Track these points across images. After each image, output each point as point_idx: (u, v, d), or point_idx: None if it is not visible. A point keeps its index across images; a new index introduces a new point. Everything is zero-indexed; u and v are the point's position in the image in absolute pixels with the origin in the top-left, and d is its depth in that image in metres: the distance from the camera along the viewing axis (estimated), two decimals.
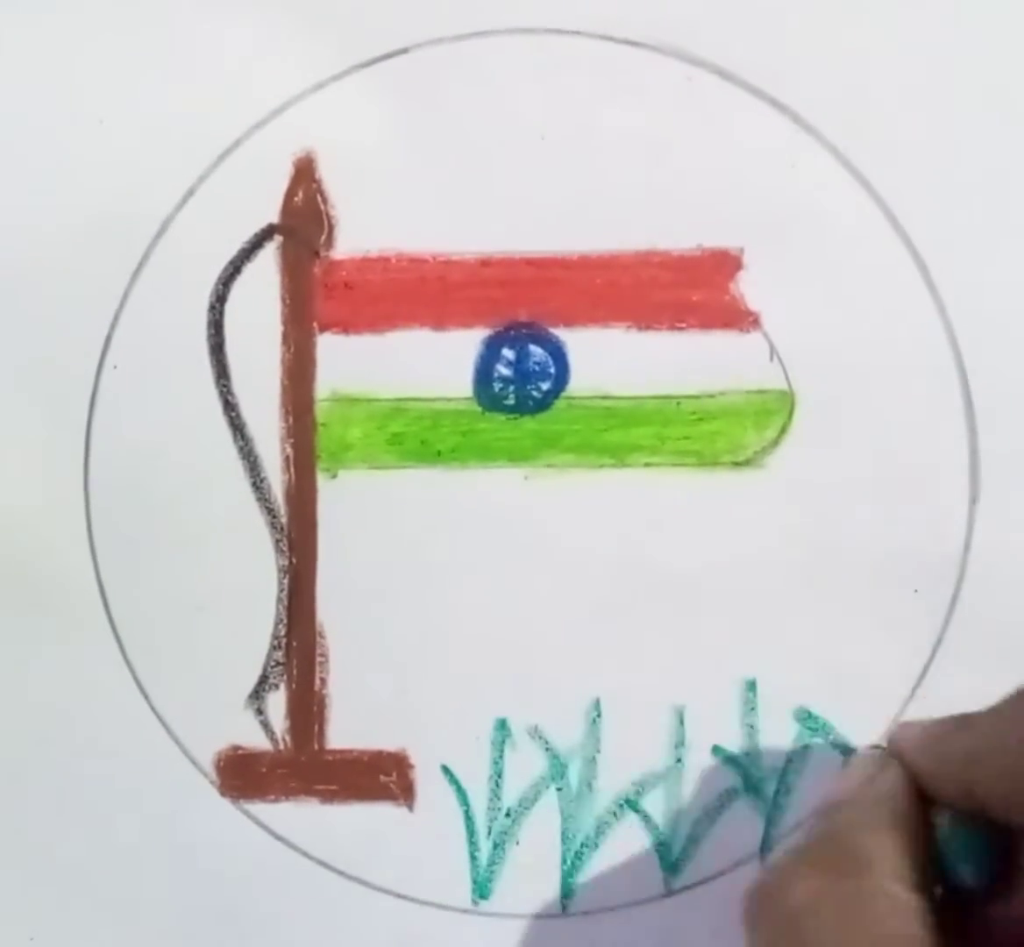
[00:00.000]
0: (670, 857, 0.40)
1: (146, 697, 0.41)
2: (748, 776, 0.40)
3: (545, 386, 0.40)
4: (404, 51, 0.39)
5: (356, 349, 0.40)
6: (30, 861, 0.41)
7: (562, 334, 0.39)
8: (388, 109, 0.39)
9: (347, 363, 0.40)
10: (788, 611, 0.39)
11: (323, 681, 0.40)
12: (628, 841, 0.40)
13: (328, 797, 0.41)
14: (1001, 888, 0.33)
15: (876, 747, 0.36)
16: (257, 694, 0.41)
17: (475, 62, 0.39)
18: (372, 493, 0.40)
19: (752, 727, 0.40)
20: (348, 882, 0.41)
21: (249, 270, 0.39)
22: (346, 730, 0.41)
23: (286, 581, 0.40)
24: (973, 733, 0.32)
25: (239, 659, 0.41)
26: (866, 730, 0.39)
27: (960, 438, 0.39)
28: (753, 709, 0.40)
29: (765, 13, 0.38)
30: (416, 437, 0.40)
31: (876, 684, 0.39)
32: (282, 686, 0.41)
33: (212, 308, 0.40)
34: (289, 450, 0.40)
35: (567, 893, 0.40)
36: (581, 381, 0.39)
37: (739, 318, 0.39)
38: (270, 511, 0.40)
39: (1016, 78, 0.38)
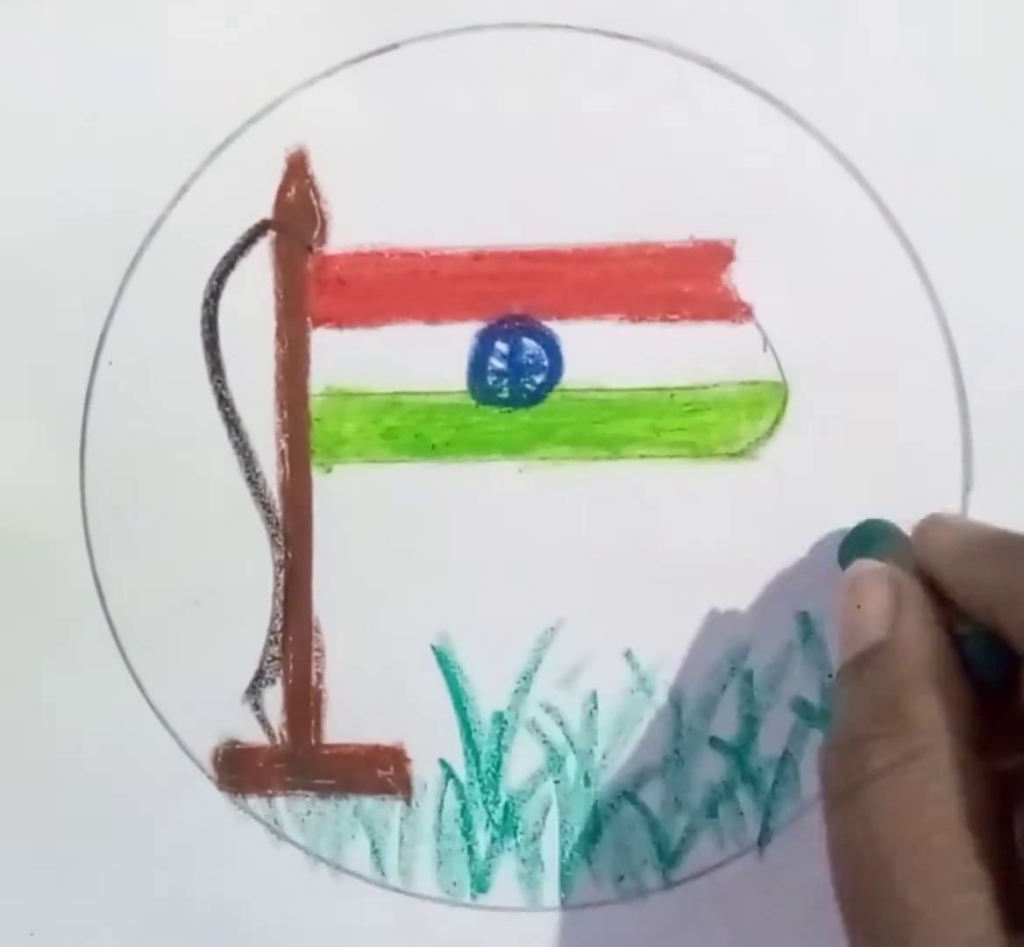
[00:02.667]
0: (668, 849, 0.40)
1: (143, 692, 0.41)
2: (746, 767, 0.40)
3: (539, 379, 0.40)
4: (395, 47, 0.39)
5: (350, 344, 0.40)
6: (28, 857, 0.41)
7: (555, 327, 0.39)
8: (380, 104, 0.39)
9: (341, 358, 0.40)
10: (783, 602, 0.39)
11: (319, 676, 0.41)
12: (626, 834, 0.40)
13: (325, 791, 0.41)
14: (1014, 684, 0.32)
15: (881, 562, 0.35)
16: (254, 689, 0.41)
17: (466, 57, 0.39)
18: (367, 487, 0.40)
19: (750, 718, 0.40)
20: (346, 876, 0.41)
21: (243, 266, 0.39)
22: (343, 724, 0.41)
23: (282, 576, 0.40)
24: (1014, 564, 0.31)
25: (236, 654, 0.41)
26: None
27: (953, 427, 0.39)
28: (750, 700, 0.40)
29: (756, 6, 0.38)
30: (411, 431, 0.40)
31: None
32: (279, 681, 0.41)
33: (206, 304, 0.40)
34: (284, 445, 0.40)
35: (565, 886, 0.40)
36: (575, 374, 0.40)
37: (732, 309, 0.39)
38: (265, 506, 0.40)
39: (1009, 69, 0.38)
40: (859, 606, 0.33)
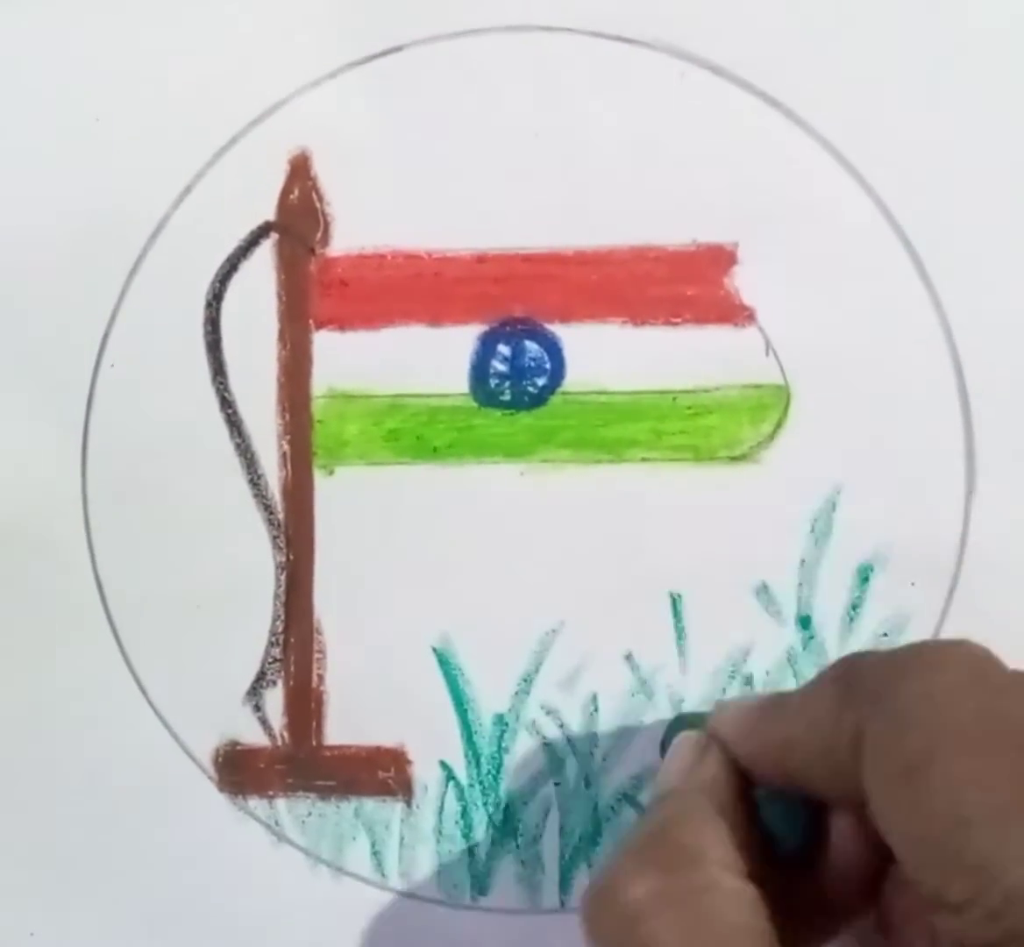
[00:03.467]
0: None
1: (144, 693, 0.41)
2: None
3: (541, 382, 0.40)
4: (398, 49, 0.39)
5: (352, 346, 0.40)
6: (29, 858, 0.41)
7: (558, 330, 0.39)
8: (383, 107, 0.39)
9: (343, 360, 0.40)
10: (785, 604, 0.39)
11: (320, 677, 0.41)
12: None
13: (326, 793, 0.41)
14: (819, 851, 0.33)
15: (695, 731, 0.36)
16: (255, 690, 0.41)
17: (469, 60, 0.39)
18: (369, 489, 0.40)
19: None
20: (346, 878, 0.41)
21: (245, 267, 0.39)
22: (344, 726, 0.41)
23: (283, 577, 0.40)
24: (786, 718, 0.32)
25: (237, 655, 0.41)
26: None
27: (956, 431, 0.39)
28: None
29: (758, 9, 0.38)
30: (412, 433, 0.40)
31: None
32: (280, 682, 0.41)
33: (209, 305, 0.40)
34: (286, 447, 0.40)
35: (566, 888, 0.40)
36: (577, 376, 0.40)
37: (734, 313, 0.39)
38: (267, 508, 0.40)
39: (1011, 71, 0.38)
40: (667, 766, 0.34)
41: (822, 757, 0.30)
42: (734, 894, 0.29)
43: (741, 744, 0.33)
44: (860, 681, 0.30)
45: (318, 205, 0.39)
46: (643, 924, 0.29)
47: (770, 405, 0.39)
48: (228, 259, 0.39)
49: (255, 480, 0.40)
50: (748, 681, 0.39)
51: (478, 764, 0.40)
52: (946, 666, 0.29)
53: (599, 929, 0.30)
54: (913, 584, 0.39)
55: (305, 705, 0.41)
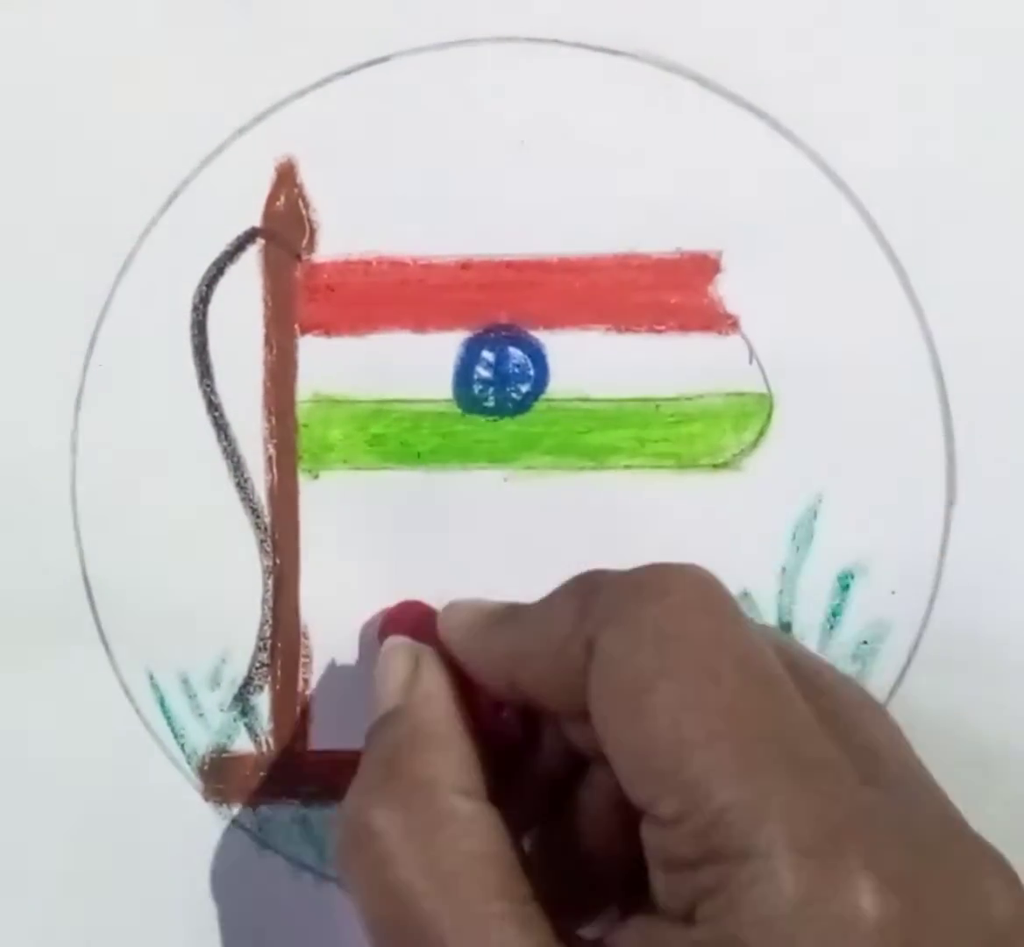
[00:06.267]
0: None
1: (131, 699, 0.41)
2: None
3: (525, 388, 0.40)
4: (385, 59, 0.39)
5: (337, 351, 0.40)
6: (12, 867, 0.41)
7: (542, 336, 0.40)
8: (369, 116, 0.39)
9: (329, 365, 0.40)
10: (766, 612, 0.39)
11: (307, 682, 0.41)
12: None
13: (311, 799, 0.41)
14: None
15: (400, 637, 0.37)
16: (241, 695, 0.41)
17: (455, 70, 0.39)
18: (353, 494, 0.40)
19: None
20: (330, 884, 0.41)
21: (232, 272, 0.40)
22: (330, 731, 0.41)
23: (270, 582, 0.41)
24: (519, 627, 0.33)
25: (223, 660, 0.41)
26: None
27: (937, 440, 0.39)
28: None
29: (743, 20, 0.39)
30: (396, 438, 0.40)
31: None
32: (266, 687, 0.41)
33: (195, 309, 0.40)
34: (272, 450, 0.40)
35: None
36: (560, 383, 0.40)
37: (718, 321, 0.39)
38: (254, 511, 0.40)
39: (994, 81, 0.38)
40: (382, 677, 0.35)
41: (553, 667, 0.31)
42: (471, 821, 0.30)
43: (469, 652, 0.34)
44: (597, 596, 0.31)
45: (304, 212, 0.40)
46: (390, 869, 0.30)
47: (753, 413, 0.39)
48: (214, 263, 0.40)
49: (242, 483, 0.40)
50: None
51: None
52: (679, 589, 0.30)
53: (354, 878, 0.31)
54: (893, 592, 0.39)
55: (292, 711, 0.41)
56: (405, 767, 0.32)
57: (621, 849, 0.32)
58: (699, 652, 0.28)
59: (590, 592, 0.31)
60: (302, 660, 0.41)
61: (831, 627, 0.39)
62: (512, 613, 0.34)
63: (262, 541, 0.40)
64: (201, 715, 0.41)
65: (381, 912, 0.31)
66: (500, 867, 0.30)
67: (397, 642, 0.37)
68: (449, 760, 0.32)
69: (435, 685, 0.34)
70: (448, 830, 0.30)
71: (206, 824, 0.41)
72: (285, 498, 0.40)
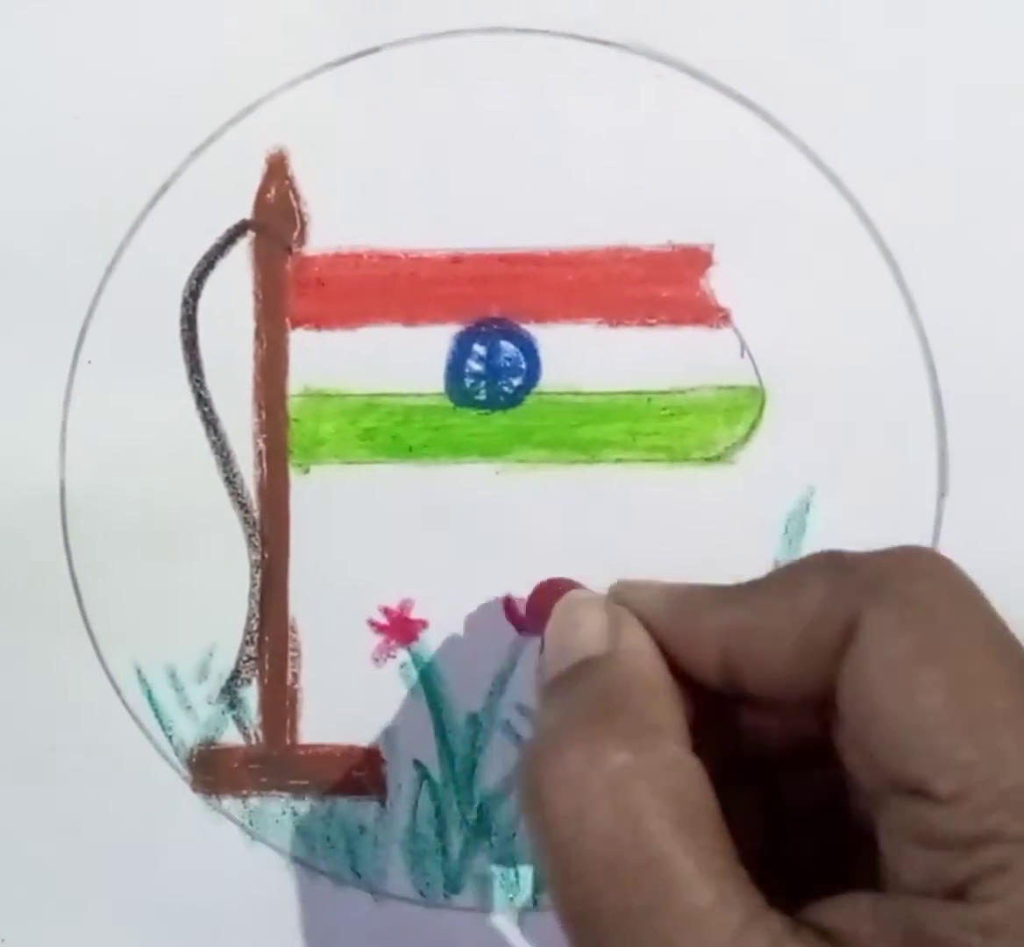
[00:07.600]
0: None
1: (118, 692, 0.41)
2: None
3: (516, 382, 0.40)
4: (376, 50, 0.39)
5: (328, 345, 0.40)
6: (0, 860, 0.41)
7: (533, 330, 0.40)
8: (360, 107, 0.39)
9: (319, 359, 0.40)
10: None
11: (295, 676, 0.41)
12: None
13: (300, 792, 0.41)
14: None
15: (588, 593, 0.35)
16: (229, 689, 0.41)
17: (446, 61, 0.39)
18: (344, 488, 0.40)
19: None
20: (319, 877, 0.41)
21: (222, 266, 0.39)
22: (318, 725, 0.41)
23: (259, 576, 0.40)
24: (747, 609, 0.31)
25: (212, 653, 0.41)
26: None
27: (929, 433, 0.39)
28: None
29: (734, 11, 0.39)
30: (388, 432, 0.40)
31: None
32: (254, 681, 0.41)
33: (185, 303, 0.40)
34: (262, 445, 0.40)
35: (539, 888, 0.40)
36: (552, 377, 0.40)
37: (709, 314, 0.39)
38: (243, 506, 0.40)
39: (986, 74, 0.38)
40: (576, 626, 0.33)
41: (794, 645, 0.30)
42: (695, 772, 0.29)
43: (673, 630, 0.33)
44: (854, 574, 0.30)
45: (295, 204, 0.39)
46: (622, 794, 0.28)
47: (745, 406, 0.39)
48: (205, 257, 0.39)
49: (231, 478, 0.40)
50: None
51: (452, 763, 0.41)
52: (940, 569, 0.30)
53: (565, 807, 0.28)
54: None
55: (280, 704, 0.41)
56: (629, 705, 0.30)
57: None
58: (972, 630, 0.28)
59: (844, 570, 0.30)
60: (291, 654, 0.40)
61: None
62: (732, 593, 0.32)
63: (251, 535, 0.40)
64: (189, 708, 0.41)
65: (604, 838, 0.28)
66: (715, 824, 0.29)
67: (584, 595, 0.35)
68: (672, 709, 0.31)
69: (639, 638, 0.32)
70: (676, 776, 0.29)
71: (195, 816, 0.41)
72: (275, 493, 0.40)
